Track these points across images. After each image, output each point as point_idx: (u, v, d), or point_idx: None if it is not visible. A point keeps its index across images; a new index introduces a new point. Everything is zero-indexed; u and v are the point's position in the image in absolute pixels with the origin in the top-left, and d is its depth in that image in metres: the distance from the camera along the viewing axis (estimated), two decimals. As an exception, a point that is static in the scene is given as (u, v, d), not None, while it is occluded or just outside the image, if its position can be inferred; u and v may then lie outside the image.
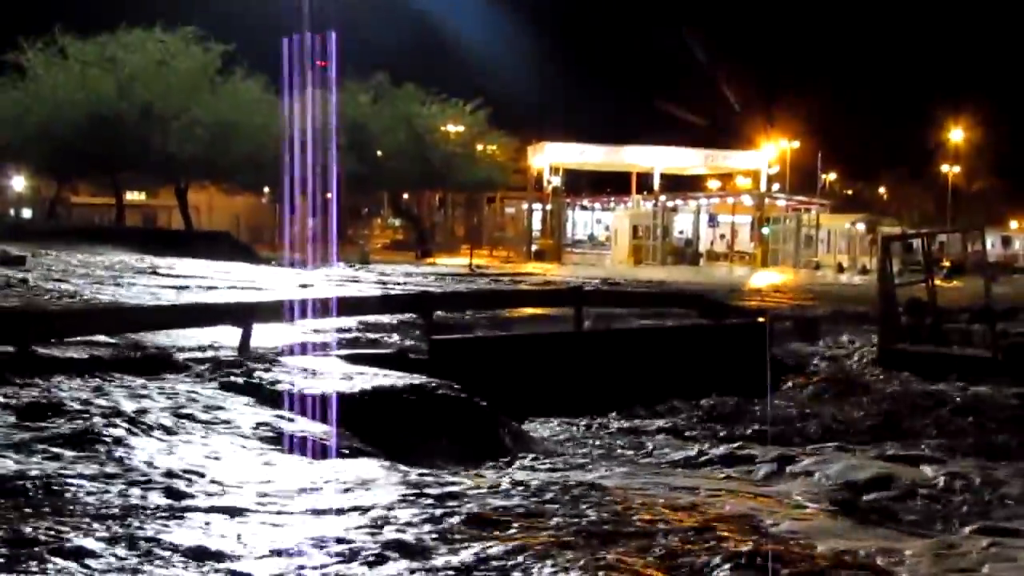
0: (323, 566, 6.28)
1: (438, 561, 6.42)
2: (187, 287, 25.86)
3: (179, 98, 54.73)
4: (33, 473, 7.75)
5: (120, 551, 6.26)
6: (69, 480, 7.68)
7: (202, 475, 8.22)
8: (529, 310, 23.53)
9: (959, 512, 9.73)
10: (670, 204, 72.39)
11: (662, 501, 8.59)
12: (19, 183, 76.69)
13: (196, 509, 7.31)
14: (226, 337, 15.22)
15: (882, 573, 6.93)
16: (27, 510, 6.90)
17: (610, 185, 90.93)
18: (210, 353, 14.25)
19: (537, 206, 72.89)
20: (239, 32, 58.21)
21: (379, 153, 62.34)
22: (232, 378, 12.27)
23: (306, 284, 29.07)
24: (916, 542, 8.18)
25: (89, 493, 7.45)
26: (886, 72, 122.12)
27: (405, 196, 76.33)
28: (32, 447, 8.50)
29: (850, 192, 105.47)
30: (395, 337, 18.67)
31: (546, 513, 7.63)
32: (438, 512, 7.48)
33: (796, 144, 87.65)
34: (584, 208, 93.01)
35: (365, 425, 11.11)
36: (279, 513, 7.38)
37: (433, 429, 11.66)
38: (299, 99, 54.33)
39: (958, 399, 16.68)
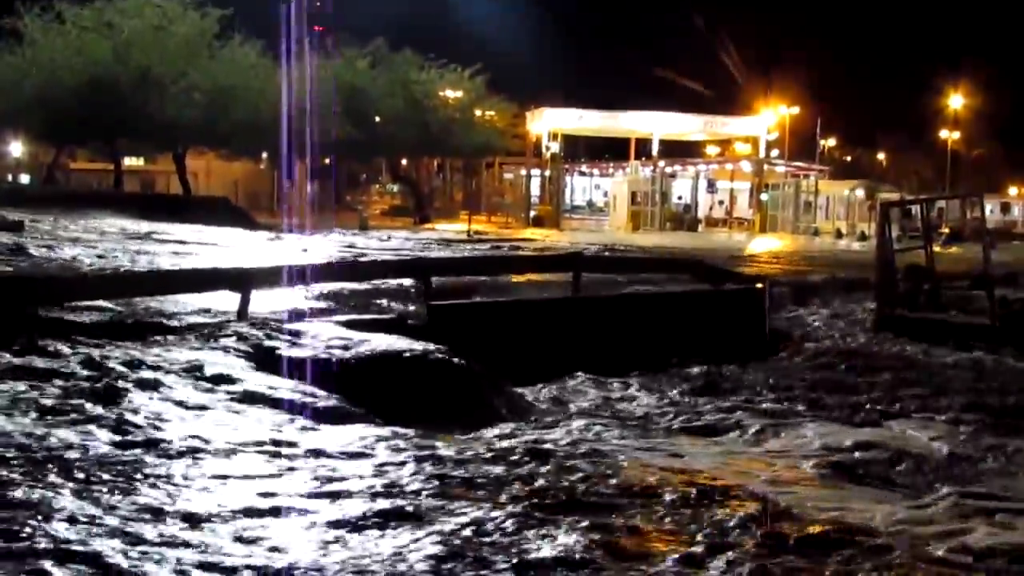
0: (317, 529, 6.31)
1: (436, 525, 6.44)
2: (186, 253, 25.83)
3: (176, 63, 54.50)
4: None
5: (127, 511, 6.30)
6: (67, 441, 7.70)
7: (203, 439, 8.25)
8: (527, 276, 23.52)
9: (951, 476, 9.77)
10: (669, 170, 72.19)
11: (660, 466, 8.63)
12: (17, 149, 76.52)
13: (199, 476, 7.34)
14: (224, 302, 15.22)
15: (874, 535, 6.97)
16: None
17: (609, 151, 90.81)
18: (208, 318, 14.25)
19: (536, 172, 72.69)
20: (236, -3, 58.05)
21: (377, 119, 62.13)
22: (230, 342, 12.28)
23: (304, 249, 29.03)
24: (909, 505, 8.23)
25: (90, 451, 7.48)
26: (886, 38, 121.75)
27: (403, 162, 76.19)
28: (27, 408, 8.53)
29: (849, 158, 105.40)
30: (393, 302, 18.66)
31: (545, 477, 7.66)
32: (436, 476, 7.51)
33: (795, 110, 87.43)
34: (583, 174, 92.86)
35: (362, 390, 11.14)
36: (278, 476, 7.41)
37: (431, 394, 11.69)
38: (297, 65, 54.26)
39: (955, 366, 16.71)
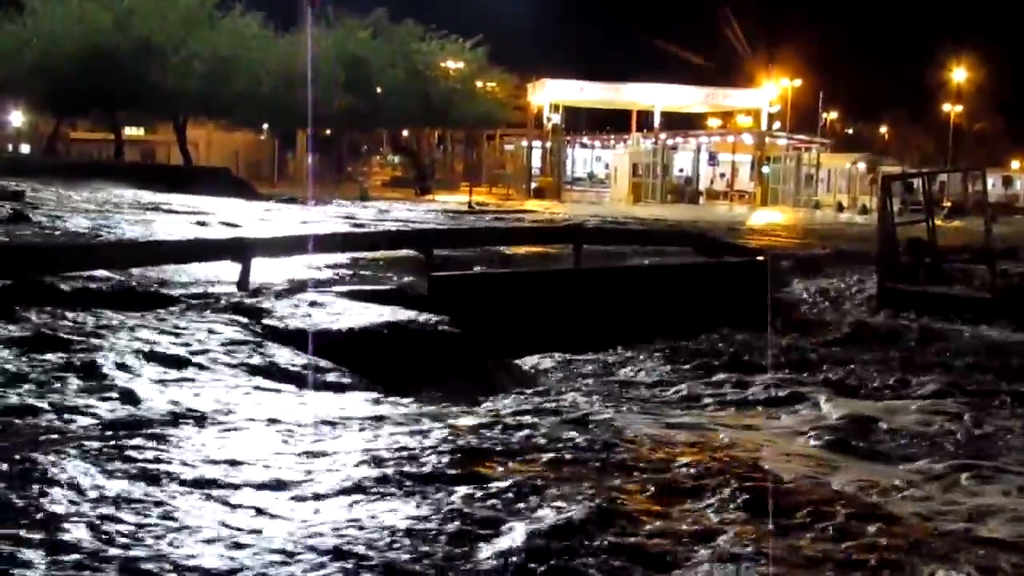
0: (317, 498, 6.31)
1: (437, 495, 6.45)
2: (186, 223, 25.81)
3: (177, 32, 54.42)
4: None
5: (124, 479, 6.31)
6: (74, 408, 7.71)
7: (202, 409, 8.25)
8: (528, 248, 23.51)
9: (953, 447, 9.78)
10: (670, 142, 72.05)
11: (661, 437, 8.63)
12: (17, 119, 76.35)
13: (198, 445, 7.34)
14: (225, 273, 15.22)
15: (874, 508, 6.98)
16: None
17: (610, 123, 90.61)
18: (210, 288, 14.25)
19: (537, 144, 72.59)
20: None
21: (378, 90, 61.99)
22: (230, 312, 12.28)
23: (305, 220, 29.02)
24: (908, 476, 8.24)
25: (88, 420, 7.49)
26: (889, 11, 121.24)
27: (404, 133, 76.05)
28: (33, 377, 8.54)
29: (851, 132, 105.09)
30: (394, 274, 18.65)
31: (544, 448, 7.66)
32: (436, 446, 7.51)
33: (798, 83, 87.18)
34: (584, 146, 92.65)
35: (363, 360, 11.14)
36: (277, 445, 7.41)
37: (431, 364, 11.69)
38: (297, 35, 54.15)
39: (957, 339, 16.73)
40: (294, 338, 11.49)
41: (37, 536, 5.28)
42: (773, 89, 77.32)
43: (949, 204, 52.24)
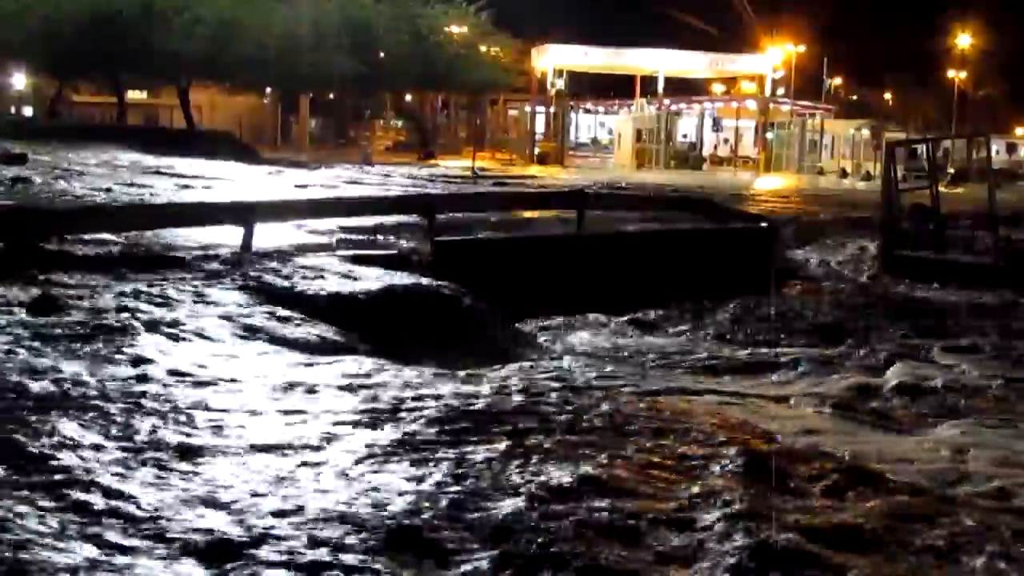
0: (322, 464, 6.32)
1: (442, 461, 6.45)
2: (190, 186, 25.79)
3: (180, -6, 54.17)
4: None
5: (130, 443, 6.32)
6: (80, 374, 7.71)
7: (206, 373, 8.26)
8: (532, 213, 23.49)
9: (955, 412, 9.80)
10: (674, 108, 71.90)
11: (664, 402, 8.64)
12: (20, 81, 76.06)
13: (204, 408, 7.35)
14: (228, 236, 15.21)
15: (878, 471, 6.99)
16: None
17: (614, 88, 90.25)
18: (212, 252, 14.22)
19: (540, 109, 72.40)
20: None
21: (382, 54, 61.73)
22: (234, 277, 12.27)
23: (308, 185, 28.97)
24: (913, 442, 8.25)
25: (100, 383, 7.49)
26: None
27: (408, 98, 75.77)
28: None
29: (855, 98, 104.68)
30: (397, 238, 18.64)
31: (550, 414, 7.66)
32: (442, 411, 7.51)
33: (802, 49, 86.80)
34: (587, 111, 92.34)
35: (367, 325, 11.15)
36: (283, 410, 7.42)
37: (436, 330, 11.69)
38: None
39: (959, 305, 16.72)
40: (297, 302, 11.49)
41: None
42: (777, 54, 76.99)
43: (953, 170, 52.18)
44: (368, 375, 8.75)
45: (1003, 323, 15.16)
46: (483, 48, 67.10)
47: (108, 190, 22.78)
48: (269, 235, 15.78)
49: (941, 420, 9.46)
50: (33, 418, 6.52)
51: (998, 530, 5.86)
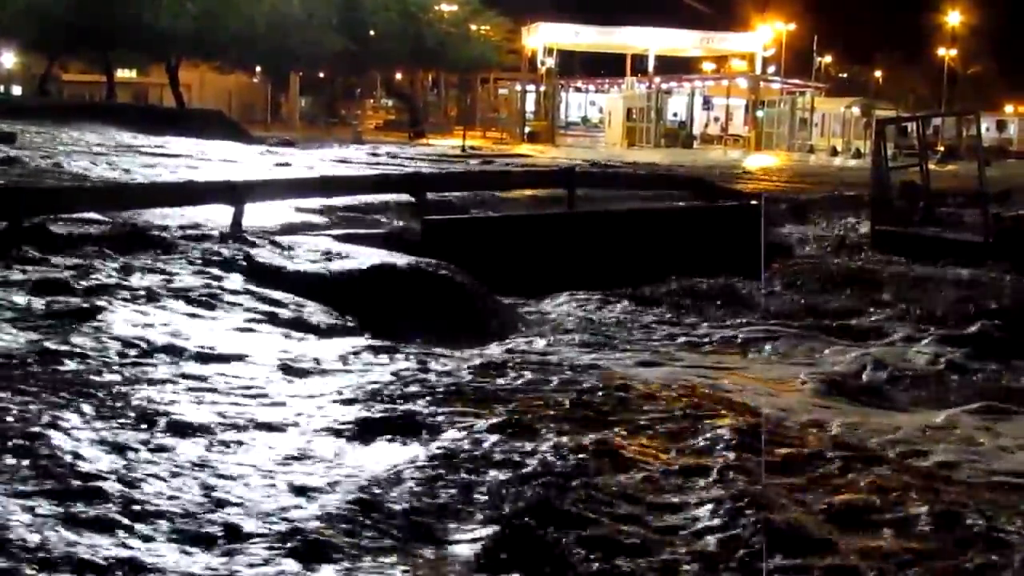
0: (314, 441, 6.35)
1: (428, 436, 6.49)
2: (180, 165, 25.73)
3: (169, -29, 53.94)
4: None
5: (117, 422, 6.33)
6: (74, 350, 7.73)
7: (195, 351, 8.27)
8: (522, 191, 23.46)
9: (945, 391, 9.84)
10: (664, 86, 71.87)
11: (654, 378, 8.68)
12: (8, 60, 75.77)
13: (190, 386, 7.37)
14: (218, 216, 15.18)
15: (865, 449, 7.03)
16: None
17: (604, 67, 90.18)
18: (203, 231, 14.20)
19: (531, 87, 72.40)
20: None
21: (372, 32, 61.61)
22: (224, 256, 12.26)
23: (297, 164, 28.91)
24: (901, 419, 8.28)
25: (87, 361, 7.51)
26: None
27: (398, 76, 75.66)
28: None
29: (845, 75, 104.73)
30: (388, 217, 18.63)
31: (541, 392, 7.69)
32: (431, 389, 7.54)
33: (792, 27, 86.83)
34: (578, 90, 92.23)
35: (357, 304, 11.15)
36: (270, 388, 7.44)
37: (426, 308, 11.69)
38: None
39: (950, 282, 16.73)
40: (285, 281, 11.50)
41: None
42: (767, 33, 77.04)
43: (943, 148, 52.23)
44: (358, 353, 8.78)
45: (990, 300, 15.17)
46: (473, 26, 67.06)
47: (99, 169, 22.72)
48: (260, 214, 15.76)
49: (929, 399, 9.49)
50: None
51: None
